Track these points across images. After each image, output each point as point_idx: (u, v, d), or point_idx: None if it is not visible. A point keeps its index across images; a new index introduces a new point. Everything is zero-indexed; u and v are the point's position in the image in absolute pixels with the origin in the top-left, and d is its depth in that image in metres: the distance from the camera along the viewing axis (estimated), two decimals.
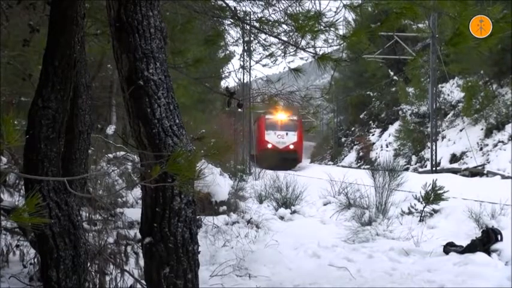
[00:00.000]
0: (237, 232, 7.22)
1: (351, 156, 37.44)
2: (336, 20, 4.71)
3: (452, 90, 27.76)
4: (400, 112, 31.65)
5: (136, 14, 2.83)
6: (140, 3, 2.83)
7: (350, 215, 8.92)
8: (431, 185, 8.95)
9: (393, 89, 32.88)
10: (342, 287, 5.16)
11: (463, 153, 22.97)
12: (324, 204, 11.47)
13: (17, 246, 4.65)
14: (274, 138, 33.94)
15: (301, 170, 31.06)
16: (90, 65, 7.18)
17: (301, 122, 35.75)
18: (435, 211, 8.88)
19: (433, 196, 8.76)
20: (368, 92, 35.88)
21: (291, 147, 34.08)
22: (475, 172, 19.72)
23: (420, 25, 24.76)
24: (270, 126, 34.13)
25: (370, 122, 37.66)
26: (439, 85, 25.80)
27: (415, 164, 27.04)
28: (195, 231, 2.91)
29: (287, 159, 32.67)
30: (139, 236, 3.40)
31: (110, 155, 8.52)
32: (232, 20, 6.31)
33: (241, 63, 18.34)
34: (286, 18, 5.39)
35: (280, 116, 33.29)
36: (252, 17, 6.26)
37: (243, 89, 19.22)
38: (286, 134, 33.96)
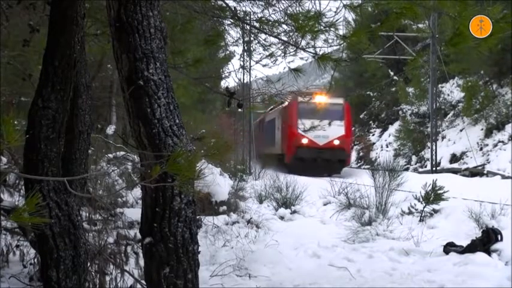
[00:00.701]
0: (237, 232, 7.22)
1: (351, 156, 37.37)
2: (336, 20, 4.72)
3: (452, 90, 27.79)
4: (400, 112, 31.67)
5: (136, 14, 2.83)
6: (140, 3, 2.83)
7: (350, 215, 8.91)
8: (431, 185, 8.94)
9: (393, 89, 32.90)
10: (342, 287, 5.15)
11: (463, 153, 22.99)
12: (324, 204, 11.46)
13: (17, 246, 4.65)
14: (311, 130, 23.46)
15: None
16: (90, 65, 7.18)
17: (349, 107, 25.37)
18: (435, 211, 8.87)
19: (433, 196, 8.76)
20: (368, 92, 35.87)
21: (336, 142, 23.32)
22: (475, 172, 19.73)
23: (420, 25, 24.77)
24: (304, 114, 22.87)
25: (370, 122, 37.65)
26: (439, 85, 25.82)
27: (415, 164, 27.07)
28: (195, 231, 2.91)
29: (330, 161, 22.82)
30: (139, 236, 3.40)
31: (110, 155, 8.52)
32: (232, 20, 6.30)
33: (241, 63, 18.31)
34: (286, 18, 5.39)
35: (320, 98, 22.68)
36: (252, 17, 6.25)
37: (243, 89, 19.18)
38: (329, 124, 22.98)
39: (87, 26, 5.11)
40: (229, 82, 37.37)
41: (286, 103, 23.54)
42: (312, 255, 6.48)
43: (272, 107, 25.51)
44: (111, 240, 4.84)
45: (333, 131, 23.16)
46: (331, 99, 23.77)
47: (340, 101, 24.69)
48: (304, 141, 23.25)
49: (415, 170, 24.96)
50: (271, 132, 27.59)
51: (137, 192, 7.00)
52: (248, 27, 6.51)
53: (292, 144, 23.41)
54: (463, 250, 6.07)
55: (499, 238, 5.98)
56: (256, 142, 31.06)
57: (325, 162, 22.78)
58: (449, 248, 6.28)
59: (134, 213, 5.87)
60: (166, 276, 2.80)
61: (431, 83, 23.09)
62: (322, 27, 4.76)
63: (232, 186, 10.18)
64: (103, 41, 6.17)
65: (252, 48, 9.52)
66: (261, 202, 11.47)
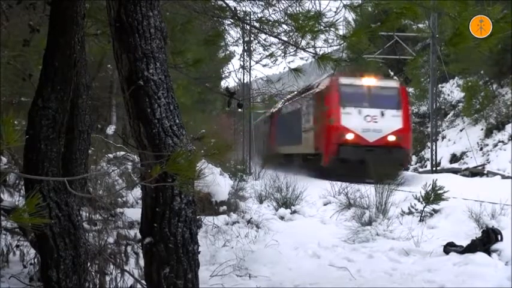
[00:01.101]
0: (237, 232, 7.21)
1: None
2: (336, 20, 4.72)
3: (452, 90, 27.82)
4: None
5: (136, 14, 2.83)
6: (140, 3, 2.83)
7: (350, 215, 8.91)
8: (431, 185, 8.94)
9: None
10: (342, 287, 5.15)
11: (463, 153, 22.99)
12: (324, 204, 11.46)
13: (17, 246, 4.65)
14: (358, 123, 17.74)
15: None
16: (90, 65, 7.18)
17: (406, 91, 19.93)
18: (435, 211, 8.87)
19: (433, 196, 8.75)
20: None
21: (392, 139, 17.77)
22: (475, 172, 19.72)
23: (420, 25, 24.78)
24: (348, 99, 17.87)
25: None
26: (439, 85, 25.81)
27: (415, 164, 27.06)
28: (195, 231, 2.91)
29: (384, 163, 15.04)
30: (139, 236, 3.40)
31: (110, 155, 8.53)
32: (232, 20, 6.31)
33: (241, 63, 18.25)
34: (286, 18, 5.40)
35: (368, 80, 18.23)
36: (252, 17, 6.27)
37: (243, 89, 19.16)
38: (382, 113, 17.84)
39: (87, 26, 5.11)
40: (229, 82, 36.97)
41: (322, 87, 18.89)
42: (312, 255, 6.48)
43: (294, 93, 19.98)
44: (111, 240, 4.83)
45: (387, 124, 17.72)
46: (383, 81, 18.80)
47: (395, 84, 19.36)
48: (349, 136, 17.61)
49: (415, 170, 24.95)
50: (294, 126, 21.87)
51: (137, 192, 7.00)
52: (248, 27, 6.52)
53: (333, 141, 17.70)
54: (463, 250, 6.07)
55: (499, 238, 5.98)
56: (266, 140, 28.44)
57: (378, 164, 15.29)
58: (449, 248, 6.28)
59: (134, 213, 5.86)
60: (166, 276, 2.80)
61: (431, 83, 23.06)
62: (322, 27, 4.76)
63: (232, 186, 10.17)
64: (103, 41, 6.17)
65: (252, 48, 9.52)
66: (261, 202, 11.46)
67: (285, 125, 24.20)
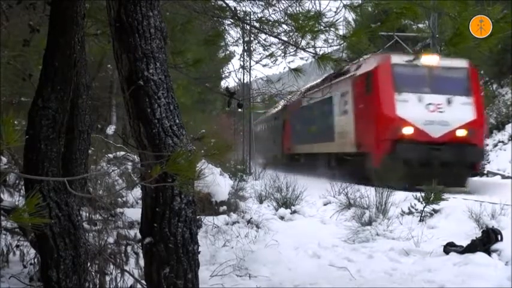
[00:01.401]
0: (237, 232, 7.21)
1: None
2: (336, 20, 4.72)
3: None
4: None
5: (137, 14, 2.83)
6: (140, 3, 2.83)
7: (350, 215, 8.92)
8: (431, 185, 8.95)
9: None
10: (342, 287, 5.15)
11: None
12: (324, 204, 11.46)
13: (17, 246, 4.65)
14: (418, 113, 14.09)
15: None
16: (90, 65, 7.18)
17: (476, 73, 16.04)
18: (435, 211, 8.87)
19: (433, 196, 8.76)
20: None
21: (462, 133, 14.10)
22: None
23: (420, 25, 24.76)
24: (405, 83, 14.19)
25: None
26: None
27: None
28: (195, 231, 2.91)
29: (453, 165, 13.46)
30: (139, 236, 3.40)
31: (110, 155, 8.53)
32: (232, 20, 6.31)
33: (241, 63, 18.23)
34: (286, 18, 5.40)
35: (429, 59, 14.22)
36: (252, 17, 6.27)
37: (243, 89, 19.17)
38: (449, 101, 14.23)
39: (87, 26, 5.11)
40: (229, 82, 36.84)
41: (367, 68, 14.98)
42: (312, 255, 6.48)
43: (321, 80, 16.18)
44: (111, 240, 4.84)
45: (455, 114, 14.02)
46: (448, 60, 14.30)
47: (464, 63, 14.91)
48: (408, 130, 13.86)
49: None
50: (323, 119, 18.21)
51: (137, 192, 7.00)
52: (248, 27, 6.52)
53: (386, 137, 13.99)
54: (463, 250, 6.07)
55: (499, 238, 5.98)
56: (277, 138, 26.93)
57: (446, 166, 13.24)
58: (449, 248, 6.28)
59: (134, 213, 5.86)
60: (166, 276, 2.80)
61: None
62: (322, 27, 4.76)
63: (232, 186, 10.17)
64: (103, 41, 6.17)
65: (252, 48, 9.52)
66: (261, 202, 11.47)
67: (306, 120, 20.30)
